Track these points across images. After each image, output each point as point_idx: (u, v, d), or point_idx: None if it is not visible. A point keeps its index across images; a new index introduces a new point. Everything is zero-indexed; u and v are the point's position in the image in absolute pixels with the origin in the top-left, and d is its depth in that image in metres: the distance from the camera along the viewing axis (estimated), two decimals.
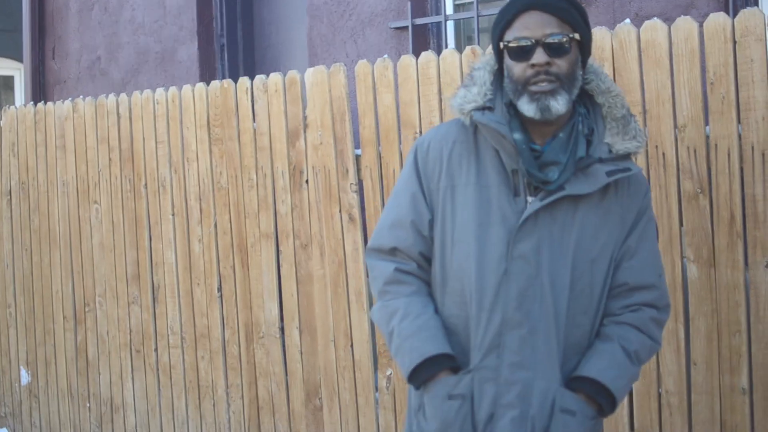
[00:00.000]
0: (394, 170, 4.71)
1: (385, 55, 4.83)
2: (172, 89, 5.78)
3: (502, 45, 3.07)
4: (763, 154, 3.76)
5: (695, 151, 3.90)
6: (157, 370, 5.96)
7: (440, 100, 4.51)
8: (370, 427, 4.91)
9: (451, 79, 4.47)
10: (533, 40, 2.98)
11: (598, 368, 3.02)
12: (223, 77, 8.53)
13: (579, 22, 3.06)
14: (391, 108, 4.74)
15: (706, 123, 3.90)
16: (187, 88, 5.70)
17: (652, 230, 3.16)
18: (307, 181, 5.08)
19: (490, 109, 3.09)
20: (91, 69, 9.51)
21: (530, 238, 3.00)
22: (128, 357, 6.13)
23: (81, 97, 6.44)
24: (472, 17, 6.87)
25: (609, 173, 3.02)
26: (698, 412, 3.96)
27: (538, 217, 3.01)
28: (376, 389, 4.91)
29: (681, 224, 3.97)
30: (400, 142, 4.71)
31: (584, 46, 3.09)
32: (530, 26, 3.00)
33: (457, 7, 7.16)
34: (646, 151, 4.01)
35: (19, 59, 12.32)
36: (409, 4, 7.01)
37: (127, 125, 6.03)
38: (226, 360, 5.55)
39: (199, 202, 5.62)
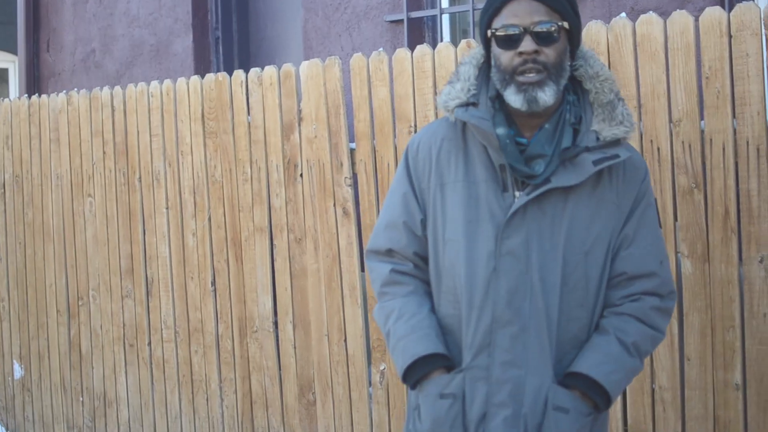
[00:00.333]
0: (388, 164, 4.70)
1: (381, 49, 4.82)
2: (167, 82, 5.76)
3: (489, 33, 3.03)
4: (758, 149, 3.75)
5: (690, 145, 3.90)
6: (151, 364, 5.95)
7: (435, 94, 4.50)
8: (364, 422, 4.90)
9: (446, 72, 4.46)
10: (521, 28, 2.94)
11: (590, 363, 2.97)
12: (218, 70, 8.52)
13: (568, 11, 3.01)
14: (386, 101, 4.72)
15: (701, 117, 3.89)
16: (181, 80, 5.68)
17: (652, 216, 3.10)
18: (301, 175, 5.07)
19: (474, 104, 3.06)
20: (85, 61, 9.50)
21: (519, 233, 2.97)
22: (122, 351, 6.12)
23: (75, 89, 6.43)
24: (468, 10, 6.86)
25: (596, 162, 2.96)
26: (692, 408, 3.96)
27: (526, 212, 2.97)
28: (370, 384, 4.90)
29: (675, 219, 3.96)
30: (395, 136, 4.70)
31: (573, 36, 3.05)
32: (519, 14, 2.96)
33: (453, 1, 7.15)
34: (641, 146, 4.01)
35: (14, 51, 12.28)
36: None
37: (122, 118, 6.02)
38: (219, 354, 5.54)
39: (193, 196, 5.61)
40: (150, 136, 5.84)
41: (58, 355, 6.54)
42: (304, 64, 5.08)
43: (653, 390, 4.05)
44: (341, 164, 4.89)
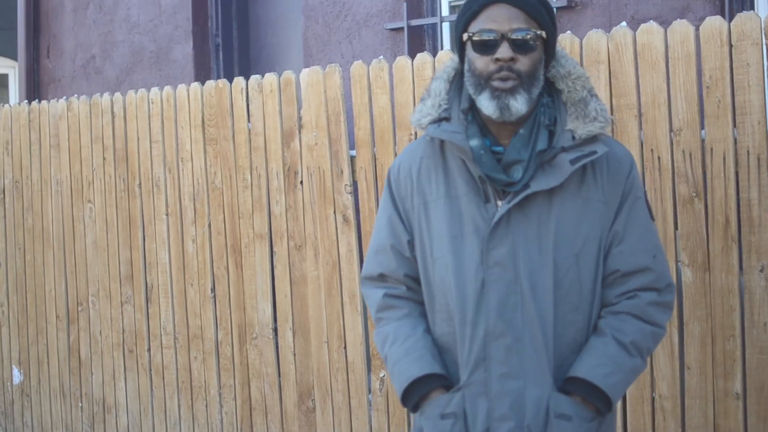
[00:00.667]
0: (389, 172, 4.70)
1: (381, 56, 4.82)
2: (167, 89, 5.77)
3: (466, 36, 2.99)
4: (759, 159, 3.75)
5: (691, 154, 3.90)
6: (150, 370, 5.94)
7: None
8: (363, 429, 4.90)
9: None
10: (499, 34, 2.90)
11: (588, 367, 2.93)
12: (218, 77, 8.52)
13: (546, 20, 2.98)
14: (387, 109, 4.73)
15: (702, 127, 3.89)
16: (181, 87, 5.68)
17: (642, 210, 3.04)
18: (301, 182, 5.07)
19: (447, 119, 3.04)
20: (85, 68, 9.50)
21: (504, 243, 2.93)
22: (121, 357, 6.11)
23: (75, 95, 6.43)
24: None
25: (573, 161, 2.91)
26: (692, 417, 3.96)
27: (510, 220, 2.94)
28: (369, 391, 4.90)
29: (676, 228, 3.97)
30: (395, 144, 4.70)
31: (549, 45, 3.01)
32: (497, 19, 2.92)
33: (453, 9, 7.15)
34: (641, 155, 4.01)
35: (14, 57, 12.27)
36: (404, 5, 7.01)
37: (122, 124, 6.02)
38: (219, 361, 5.54)
39: (193, 202, 5.61)
40: (150, 142, 5.84)
41: (58, 361, 6.54)
42: (305, 71, 5.08)
43: (653, 398, 4.05)
44: (341, 171, 4.90)
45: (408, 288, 3.15)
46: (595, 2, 6.11)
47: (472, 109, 3.03)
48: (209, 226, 5.52)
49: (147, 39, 8.93)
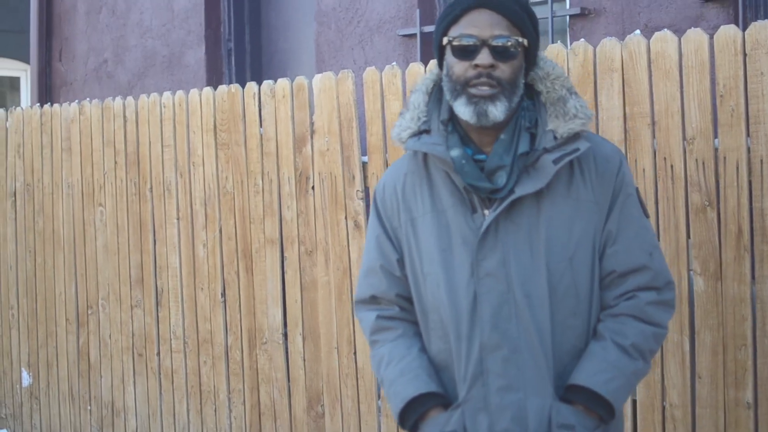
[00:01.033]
0: None
1: (394, 63, 4.83)
2: (179, 93, 5.77)
3: (446, 41, 2.93)
4: None
5: (704, 163, 3.89)
6: (159, 374, 5.94)
7: None
8: None
9: None
10: (480, 40, 2.85)
11: (588, 374, 2.87)
12: (230, 82, 8.53)
13: (529, 28, 2.92)
14: None
15: (715, 136, 3.89)
16: (194, 92, 5.69)
17: (634, 207, 2.98)
18: (313, 188, 5.07)
19: (427, 132, 2.99)
20: (97, 71, 9.52)
21: (494, 252, 2.88)
22: (130, 361, 6.12)
23: (87, 99, 6.44)
24: None
25: (556, 161, 2.85)
26: (702, 426, 3.95)
27: (498, 229, 2.88)
28: (379, 397, 4.89)
29: (688, 237, 3.96)
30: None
31: (530, 54, 2.96)
32: (478, 24, 2.86)
33: None
34: (654, 163, 4.00)
35: (26, 60, 12.32)
36: (417, 11, 7.01)
37: (134, 128, 6.03)
38: (228, 365, 5.54)
39: (204, 207, 5.61)
40: (162, 146, 5.85)
41: (67, 364, 6.54)
42: (317, 77, 5.09)
43: (664, 407, 4.04)
44: (353, 177, 4.89)
45: (401, 308, 3.10)
46: (609, 10, 6.10)
47: (452, 119, 2.98)
48: (220, 230, 5.53)
49: (159, 43, 8.94)
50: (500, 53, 2.85)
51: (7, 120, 6.95)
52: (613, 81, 4.11)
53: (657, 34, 4.01)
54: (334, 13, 7.57)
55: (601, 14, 6.04)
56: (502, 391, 2.88)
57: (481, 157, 2.93)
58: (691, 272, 3.95)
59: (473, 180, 2.88)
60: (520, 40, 2.88)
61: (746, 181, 3.81)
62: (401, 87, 4.72)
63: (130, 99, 6.10)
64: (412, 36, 7.08)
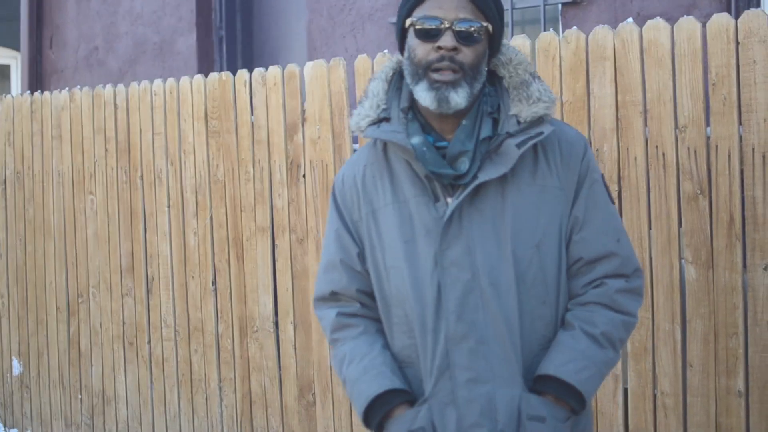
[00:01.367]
0: None
1: (386, 50, 4.81)
2: (170, 81, 5.76)
3: (409, 22, 2.85)
4: (764, 156, 3.75)
5: (696, 152, 3.89)
6: (150, 363, 5.94)
7: None
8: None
9: None
10: (444, 22, 2.77)
11: (557, 363, 2.78)
12: (222, 69, 8.50)
13: (494, 13, 2.85)
14: None
15: (707, 124, 3.89)
16: (185, 79, 5.67)
17: (601, 193, 2.90)
18: (304, 176, 5.06)
19: (387, 120, 2.90)
20: (88, 59, 9.49)
21: (458, 241, 2.79)
22: (121, 349, 6.10)
23: (78, 87, 6.42)
24: None
25: (519, 145, 2.77)
26: (694, 414, 3.95)
27: (462, 217, 2.80)
28: None
29: (680, 225, 3.96)
30: None
31: (494, 40, 2.88)
32: (443, 6, 2.79)
33: None
34: (646, 151, 4.00)
35: (16, 48, 12.27)
36: None
37: (124, 116, 6.01)
38: (219, 354, 5.53)
39: (195, 195, 5.60)
40: (152, 134, 5.83)
41: (57, 353, 6.53)
42: (309, 64, 5.07)
43: (655, 396, 4.05)
44: None
45: (362, 305, 2.99)
46: None
47: (413, 107, 2.91)
48: (211, 218, 5.51)
49: (150, 30, 8.92)
50: (464, 37, 2.78)
51: None
52: (605, 69, 4.10)
53: (649, 22, 4.00)
54: (326, 1, 7.55)
55: (593, 2, 6.03)
56: (470, 384, 2.79)
57: (443, 144, 2.85)
58: (683, 261, 3.95)
59: (435, 167, 2.80)
60: (485, 25, 2.82)
61: (738, 170, 3.81)
62: None
63: (120, 86, 6.08)
64: None
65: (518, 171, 2.81)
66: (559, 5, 6.45)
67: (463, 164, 2.80)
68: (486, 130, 2.83)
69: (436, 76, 2.78)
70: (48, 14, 9.94)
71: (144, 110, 5.89)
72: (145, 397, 5.99)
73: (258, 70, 5.29)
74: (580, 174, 2.87)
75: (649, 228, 4.03)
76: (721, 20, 3.84)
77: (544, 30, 6.06)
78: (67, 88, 6.48)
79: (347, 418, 4.95)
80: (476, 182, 2.77)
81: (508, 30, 6.80)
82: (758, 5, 5.55)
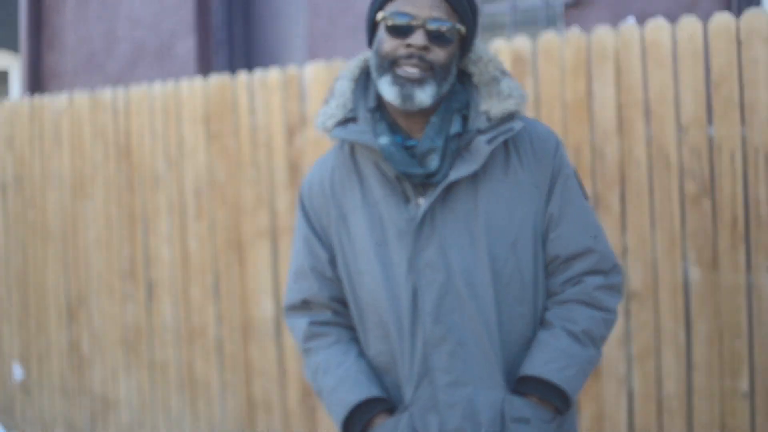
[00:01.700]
0: None
1: None
2: (170, 84, 5.75)
3: (380, 16, 2.77)
4: (767, 157, 3.73)
5: (698, 152, 3.87)
6: (152, 367, 5.92)
7: None
8: None
9: None
10: (416, 19, 2.70)
11: (540, 363, 2.73)
12: (221, 72, 8.49)
13: (468, 15, 2.79)
14: None
15: (710, 124, 3.87)
16: (184, 82, 5.66)
17: (575, 188, 2.84)
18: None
19: (354, 120, 2.84)
20: (88, 62, 9.48)
21: (432, 242, 2.74)
22: (122, 353, 6.09)
23: (77, 90, 6.40)
24: None
25: (489, 141, 2.72)
26: (699, 416, 3.94)
27: (435, 217, 2.75)
28: None
29: (683, 226, 3.94)
30: None
31: (466, 42, 2.83)
32: (417, 4, 2.72)
33: None
34: (648, 152, 3.98)
35: (16, 51, 12.27)
36: None
37: (124, 120, 6.00)
38: (221, 358, 5.51)
39: (195, 198, 5.58)
40: (152, 137, 5.82)
41: (59, 357, 6.52)
42: (309, 66, 5.06)
43: (660, 398, 4.03)
44: None
45: (334, 312, 2.93)
46: None
47: (380, 107, 2.84)
48: (211, 222, 5.50)
49: (150, 34, 8.91)
50: (436, 37, 2.72)
51: None
52: (607, 69, 4.09)
53: (651, 21, 3.99)
54: (326, 3, 7.54)
55: (594, 2, 6.01)
56: (450, 388, 2.74)
57: (412, 143, 2.79)
58: (687, 262, 3.93)
59: (405, 167, 2.74)
60: (458, 26, 2.76)
61: (741, 170, 3.79)
62: None
63: (120, 90, 6.06)
64: None
65: (490, 168, 2.77)
66: (561, 5, 6.43)
67: (433, 162, 2.74)
68: (456, 127, 2.77)
69: (400, 71, 2.71)
70: (47, 17, 9.92)
71: (144, 114, 5.87)
72: (146, 401, 5.98)
73: (258, 73, 5.28)
74: (554, 170, 2.82)
75: (653, 229, 4.02)
76: (722, 19, 3.82)
77: (546, 30, 6.05)
78: (66, 92, 6.47)
79: None
80: (447, 181, 2.72)
81: (508, 31, 6.78)
82: (758, 4, 5.53)
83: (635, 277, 4.07)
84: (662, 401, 4.02)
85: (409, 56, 2.71)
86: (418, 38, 2.70)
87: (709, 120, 3.88)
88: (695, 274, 3.90)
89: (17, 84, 13.46)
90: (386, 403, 2.81)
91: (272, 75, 5.20)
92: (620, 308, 4.10)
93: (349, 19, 7.38)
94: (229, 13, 8.69)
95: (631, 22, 4.06)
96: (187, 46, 8.58)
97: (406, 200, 2.78)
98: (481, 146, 2.72)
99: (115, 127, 6.05)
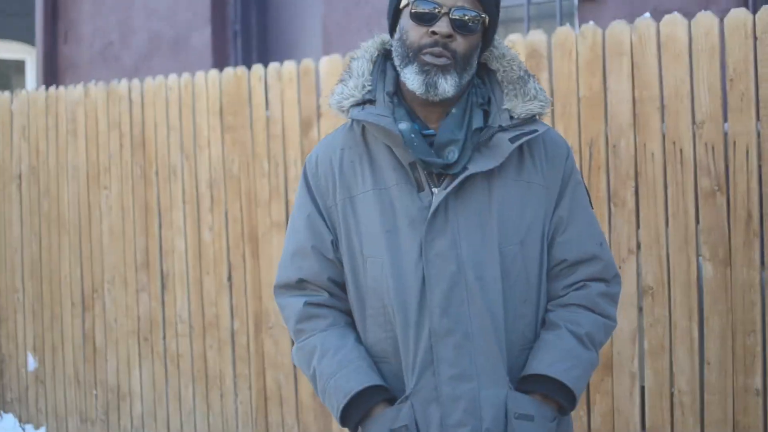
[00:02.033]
0: None
1: None
2: (185, 75, 5.75)
3: (404, 2, 2.77)
4: None
5: (713, 148, 3.87)
6: (165, 358, 5.93)
7: None
8: None
9: None
10: (441, 7, 2.69)
11: (547, 362, 2.72)
12: (236, 64, 8.50)
13: (491, 5, 2.78)
14: None
15: (725, 120, 3.86)
16: (200, 74, 5.67)
17: (583, 195, 2.87)
18: None
19: (371, 102, 2.80)
20: (103, 53, 9.49)
21: (444, 233, 2.71)
22: (136, 345, 6.10)
23: (93, 81, 6.41)
24: None
25: (512, 140, 2.71)
26: (711, 413, 3.93)
27: (448, 208, 2.71)
28: None
29: (697, 222, 3.94)
30: None
31: (489, 33, 2.81)
32: None
33: None
34: (663, 147, 3.98)
35: (31, 43, 12.30)
36: None
37: (139, 111, 6.00)
38: (234, 350, 5.52)
39: (210, 190, 5.59)
40: (167, 129, 5.83)
41: (72, 348, 6.53)
42: (324, 59, 5.06)
43: (672, 394, 4.03)
44: None
45: (331, 294, 2.86)
46: None
47: (398, 92, 2.82)
48: (226, 214, 5.50)
49: (165, 25, 8.91)
50: (460, 26, 2.71)
51: (12, 102, 6.93)
52: (622, 64, 4.08)
53: (667, 17, 3.98)
54: None
55: None
56: (454, 381, 2.70)
57: (429, 132, 2.78)
58: (700, 257, 3.93)
59: (424, 155, 2.71)
60: (482, 15, 2.74)
61: (756, 166, 3.78)
62: None
63: (135, 81, 6.07)
64: None
65: (504, 166, 2.76)
66: (576, 0, 6.42)
67: (452, 154, 2.73)
68: (477, 121, 2.77)
69: (427, 58, 2.70)
70: (63, 9, 9.94)
71: (159, 105, 5.88)
72: (160, 393, 5.99)
73: (273, 65, 5.28)
74: (565, 174, 2.84)
75: (666, 225, 4.01)
76: (738, 15, 3.81)
77: (561, 25, 6.04)
78: (82, 83, 6.48)
79: None
80: (467, 173, 2.70)
81: (524, 25, 6.77)
82: None
83: (648, 272, 4.06)
84: (674, 397, 4.02)
85: (434, 44, 2.70)
86: (442, 26, 2.69)
87: (725, 116, 3.86)
88: (709, 270, 3.89)
89: (33, 75, 13.49)
90: (386, 392, 2.77)
91: (287, 68, 5.20)
92: (634, 303, 4.10)
93: (364, 12, 7.38)
94: (244, 5, 8.69)
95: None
96: (202, 37, 8.58)
97: (419, 188, 2.75)
98: (503, 143, 2.72)
99: (131, 119, 6.06)
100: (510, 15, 6.96)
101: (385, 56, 2.89)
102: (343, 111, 2.84)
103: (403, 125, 2.75)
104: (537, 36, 4.36)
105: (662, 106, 3.99)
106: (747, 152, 3.79)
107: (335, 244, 2.85)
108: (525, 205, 2.77)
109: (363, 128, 2.86)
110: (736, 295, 3.84)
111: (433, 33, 2.70)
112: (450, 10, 2.70)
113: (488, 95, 2.83)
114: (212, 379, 5.65)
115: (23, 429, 6.88)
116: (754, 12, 3.83)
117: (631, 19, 5.33)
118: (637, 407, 4.11)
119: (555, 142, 2.86)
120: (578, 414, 4.24)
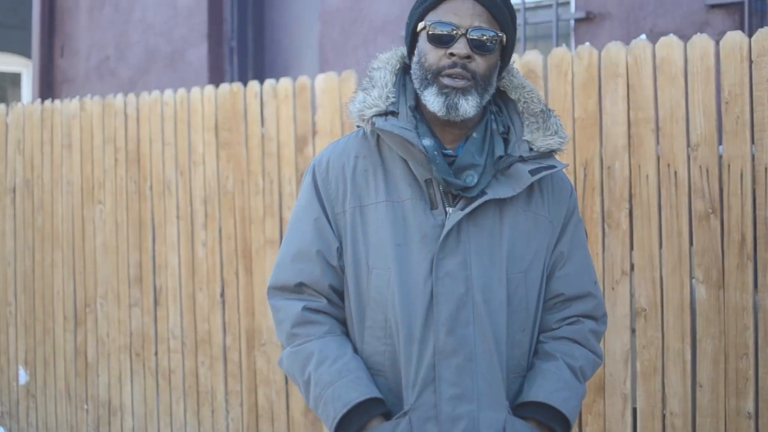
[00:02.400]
0: None
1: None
2: (181, 91, 5.75)
3: (421, 26, 2.76)
4: None
5: (707, 170, 3.87)
6: (157, 374, 5.92)
7: None
8: None
9: None
10: (458, 29, 2.69)
11: (547, 391, 2.74)
12: (232, 80, 8.51)
13: (509, 25, 2.79)
14: None
15: (720, 142, 3.86)
16: (195, 90, 5.67)
17: (583, 234, 2.92)
18: None
19: (393, 114, 2.77)
20: (99, 68, 9.50)
21: (456, 253, 2.70)
22: (128, 360, 6.09)
23: (89, 95, 6.41)
24: None
25: (533, 172, 2.73)
26: None
27: (461, 229, 2.71)
28: None
29: (691, 244, 3.94)
30: None
31: (507, 53, 2.82)
32: (459, 12, 2.71)
33: None
34: (658, 169, 3.98)
35: (27, 56, 12.31)
36: None
37: (135, 126, 6.00)
38: (226, 366, 5.51)
39: (204, 206, 5.59)
40: (162, 144, 5.82)
41: (64, 362, 6.52)
42: (320, 76, 5.06)
43: (664, 416, 4.02)
44: None
45: (329, 302, 2.82)
46: (614, 15, 6.08)
47: (419, 108, 2.81)
48: (220, 230, 5.50)
49: (162, 40, 8.92)
50: (478, 46, 2.71)
51: (7, 115, 6.92)
52: (617, 86, 4.08)
53: (662, 39, 3.99)
54: (339, 13, 7.55)
55: (606, 18, 6.02)
56: (454, 401, 2.69)
57: (448, 152, 2.77)
58: (693, 280, 3.93)
59: (445, 174, 2.70)
60: (500, 35, 2.75)
61: (750, 189, 3.79)
62: None
63: (131, 96, 6.07)
64: None
65: (517, 196, 2.78)
66: (572, 21, 6.43)
67: (471, 177, 2.73)
68: (500, 149, 2.78)
69: (446, 81, 2.70)
70: (59, 22, 9.95)
71: (154, 120, 5.88)
72: (151, 408, 5.97)
73: (269, 82, 5.28)
74: (568, 210, 2.88)
75: (660, 247, 4.01)
76: (734, 38, 3.82)
77: (557, 46, 6.05)
78: (77, 97, 6.48)
79: None
80: (485, 198, 2.71)
81: (520, 45, 6.78)
82: None
83: (642, 294, 4.06)
84: (666, 419, 4.01)
85: (453, 66, 2.70)
86: (460, 47, 2.70)
87: (719, 139, 3.87)
88: (702, 292, 3.89)
89: (29, 88, 13.49)
90: (384, 407, 2.74)
91: (283, 85, 5.21)
92: (627, 325, 4.10)
93: (360, 30, 7.39)
94: (241, 22, 8.70)
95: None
96: (199, 53, 8.59)
97: (432, 206, 2.74)
98: (523, 174, 2.74)
99: (126, 133, 6.05)
100: None
101: (404, 69, 2.89)
102: (363, 120, 2.80)
103: (427, 141, 2.75)
104: (533, 56, 4.36)
105: (657, 128, 3.99)
106: (741, 175, 3.79)
107: (340, 251, 2.81)
108: (532, 236, 2.79)
109: (378, 139, 2.84)
110: (729, 318, 3.84)
111: (452, 54, 2.70)
112: (467, 30, 2.70)
113: (508, 124, 2.85)
114: (203, 395, 5.64)
115: None
116: (750, 35, 3.84)
117: (627, 40, 5.36)
118: (629, 429, 4.10)
119: (561, 179, 2.91)
120: None
